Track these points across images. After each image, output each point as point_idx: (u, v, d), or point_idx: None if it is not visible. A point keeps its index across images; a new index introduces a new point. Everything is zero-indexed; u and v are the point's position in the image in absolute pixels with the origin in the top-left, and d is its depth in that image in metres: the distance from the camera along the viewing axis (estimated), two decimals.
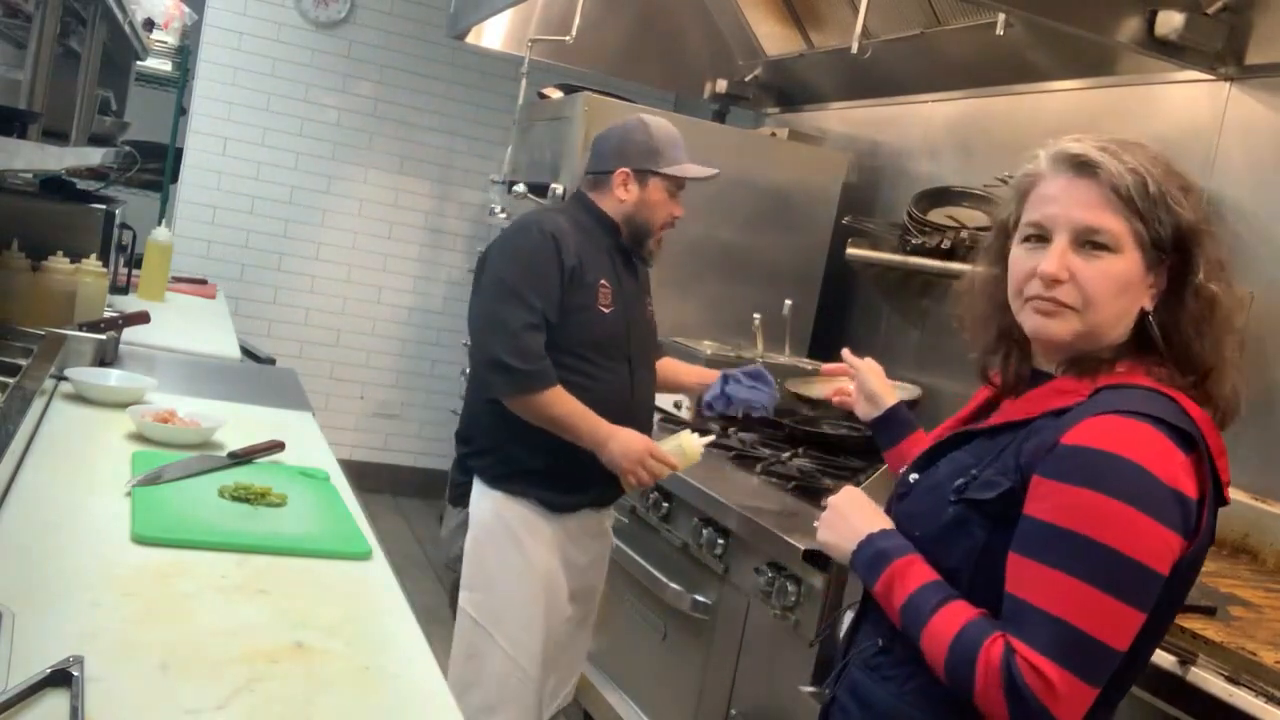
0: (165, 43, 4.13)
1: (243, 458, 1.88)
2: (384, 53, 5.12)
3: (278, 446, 1.97)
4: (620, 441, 2.18)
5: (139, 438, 1.93)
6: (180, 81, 4.54)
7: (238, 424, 2.08)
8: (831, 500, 1.39)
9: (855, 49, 2.66)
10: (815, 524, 1.40)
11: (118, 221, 3.19)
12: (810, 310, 3.66)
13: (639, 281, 2.42)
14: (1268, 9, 2.35)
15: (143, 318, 2.63)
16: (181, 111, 4.69)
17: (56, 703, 0.99)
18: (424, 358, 5.40)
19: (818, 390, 2.96)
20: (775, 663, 2.24)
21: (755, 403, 2.39)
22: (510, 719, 2.26)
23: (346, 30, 5.06)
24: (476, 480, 2.32)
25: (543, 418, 2.18)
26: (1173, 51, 2.39)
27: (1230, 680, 1.48)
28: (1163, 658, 1.52)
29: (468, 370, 3.18)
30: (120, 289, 3.37)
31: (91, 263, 2.72)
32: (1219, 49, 2.39)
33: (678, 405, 3.05)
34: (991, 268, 1.36)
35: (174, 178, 4.78)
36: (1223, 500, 1.21)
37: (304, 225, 5.13)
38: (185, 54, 4.42)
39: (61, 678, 1.02)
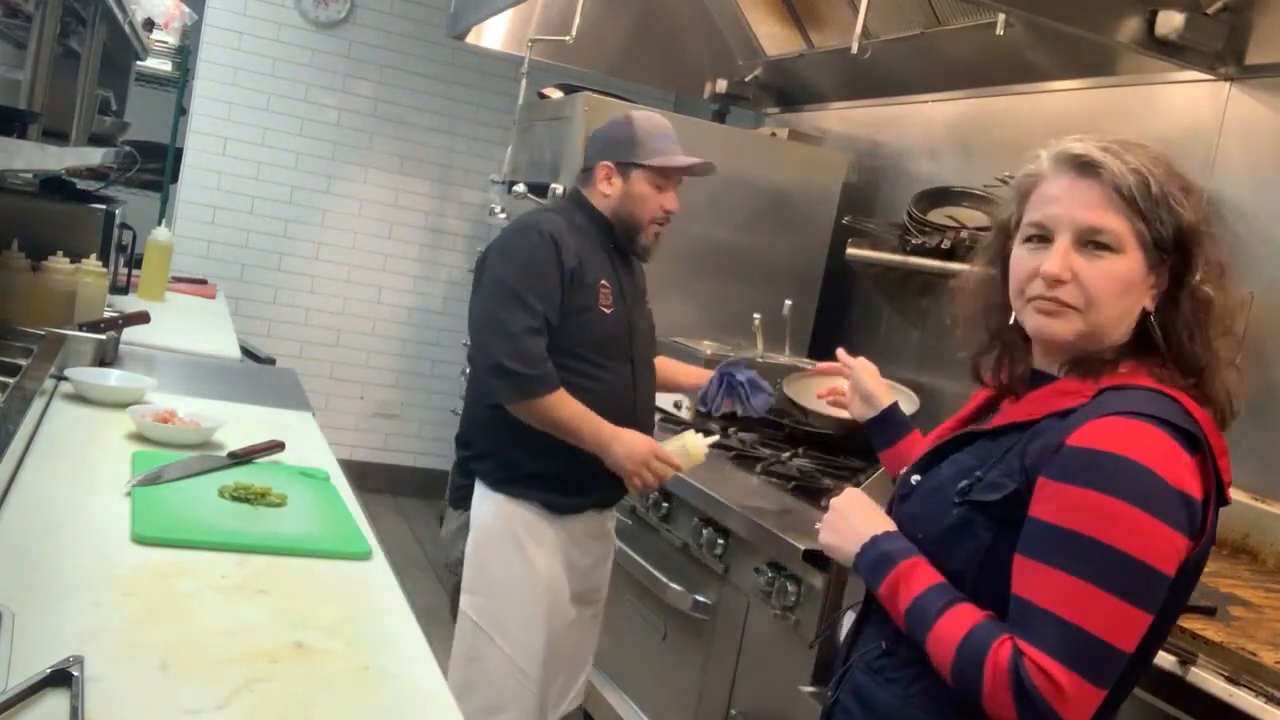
0: (165, 43, 4.13)
1: (243, 458, 1.88)
2: (384, 53, 5.12)
3: (278, 446, 1.97)
4: (624, 444, 2.17)
5: (139, 438, 1.93)
6: (180, 81, 4.54)
7: (238, 424, 2.08)
8: (833, 502, 1.39)
9: (855, 49, 2.65)
10: (817, 526, 1.40)
11: (118, 221, 3.19)
12: (810, 310, 3.66)
13: (637, 280, 2.41)
14: (1268, 9, 2.35)
15: (143, 318, 2.63)
16: (181, 111, 4.69)
17: (56, 703, 0.99)
18: (424, 358, 5.40)
19: (813, 390, 2.95)
20: (775, 663, 2.24)
21: (751, 406, 2.39)
22: None
23: (346, 30, 5.06)
24: (478, 483, 2.30)
25: (546, 422, 2.17)
26: (1173, 51, 2.39)
27: (1230, 680, 1.48)
28: (1163, 658, 1.52)
29: (468, 371, 3.17)
30: (120, 289, 3.37)
31: (91, 263, 2.72)
32: (1219, 49, 2.39)
33: (678, 405, 3.05)
34: (988, 268, 1.36)
35: (174, 178, 4.78)
36: (1224, 500, 1.21)
37: (304, 225, 5.13)
38: (185, 54, 4.42)
39: (61, 678, 1.02)
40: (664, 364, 2.53)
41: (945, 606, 1.19)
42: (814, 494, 2.46)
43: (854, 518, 1.34)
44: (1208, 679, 1.49)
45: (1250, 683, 1.46)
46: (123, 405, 2.08)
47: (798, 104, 4.22)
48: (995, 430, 1.29)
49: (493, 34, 4.38)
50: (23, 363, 2.04)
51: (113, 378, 2.22)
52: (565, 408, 2.16)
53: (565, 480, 2.24)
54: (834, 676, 1.41)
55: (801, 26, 3.79)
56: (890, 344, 3.42)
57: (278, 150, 5.04)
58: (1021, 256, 1.26)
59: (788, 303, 3.39)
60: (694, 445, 2.21)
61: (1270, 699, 1.43)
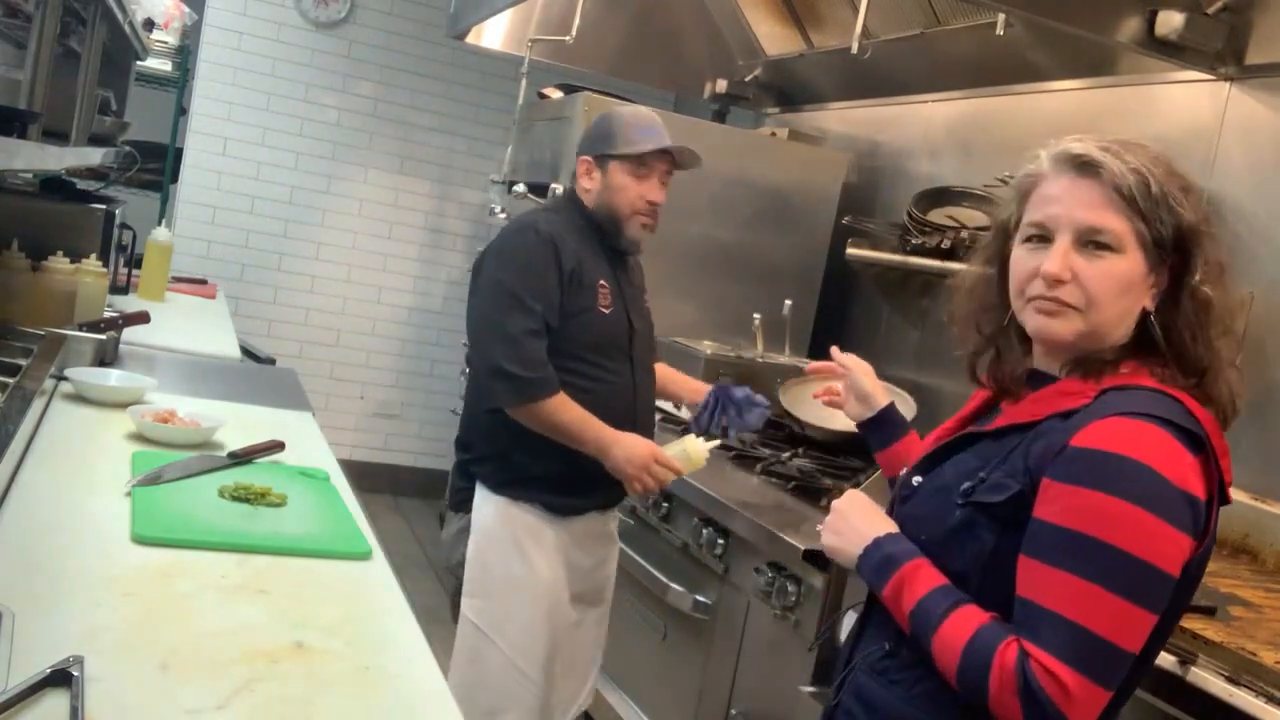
0: (165, 43, 4.13)
1: (243, 458, 1.88)
2: (384, 53, 5.12)
3: (278, 446, 1.97)
4: (624, 448, 2.16)
5: (139, 438, 1.93)
6: (180, 81, 4.54)
7: (238, 424, 2.08)
8: (835, 504, 1.38)
9: (855, 49, 2.65)
10: (819, 528, 1.39)
11: (118, 221, 3.19)
12: (810, 310, 3.66)
13: (635, 279, 2.41)
14: (1268, 9, 2.35)
15: (143, 318, 2.63)
16: (181, 111, 4.69)
17: (56, 703, 0.99)
18: (424, 358, 5.40)
19: (809, 394, 2.94)
20: (775, 663, 2.23)
21: (746, 423, 2.38)
22: None
23: (346, 30, 5.06)
24: (479, 486, 2.29)
25: (546, 426, 2.16)
26: (1173, 51, 2.39)
27: (1230, 680, 1.48)
28: (1163, 658, 1.52)
29: (467, 372, 3.17)
30: (120, 289, 3.37)
31: (91, 263, 2.72)
32: (1219, 49, 2.39)
33: (678, 405, 3.04)
34: (986, 267, 1.36)
35: (174, 178, 4.78)
36: (1225, 500, 1.21)
37: (304, 225, 5.13)
38: (185, 54, 4.42)
39: (61, 678, 1.02)
40: (664, 373, 2.51)
41: (950, 609, 1.19)
42: (814, 494, 2.46)
43: (856, 519, 1.34)
44: (1208, 679, 1.49)
45: (1250, 683, 1.46)
46: (123, 405, 2.08)
47: (798, 104, 4.22)
48: (997, 431, 1.28)
49: (493, 34, 4.38)
50: (23, 363, 2.04)
51: (113, 378, 2.22)
52: (565, 412, 2.15)
53: (566, 482, 2.24)
54: (836, 678, 1.41)
55: (801, 26, 3.79)
56: (890, 344, 3.42)
57: (278, 150, 5.04)
58: (1021, 256, 1.26)
59: (788, 303, 3.39)
60: (695, 449, 2.19)
61: (1270, 699, 1.43)
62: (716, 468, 2.61)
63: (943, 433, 1.42)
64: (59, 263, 2.61)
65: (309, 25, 5.00)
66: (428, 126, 5.23)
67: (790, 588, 2.15)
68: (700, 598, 2.48)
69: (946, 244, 3.01)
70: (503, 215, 3.91)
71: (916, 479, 1.36)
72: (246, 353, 3.30)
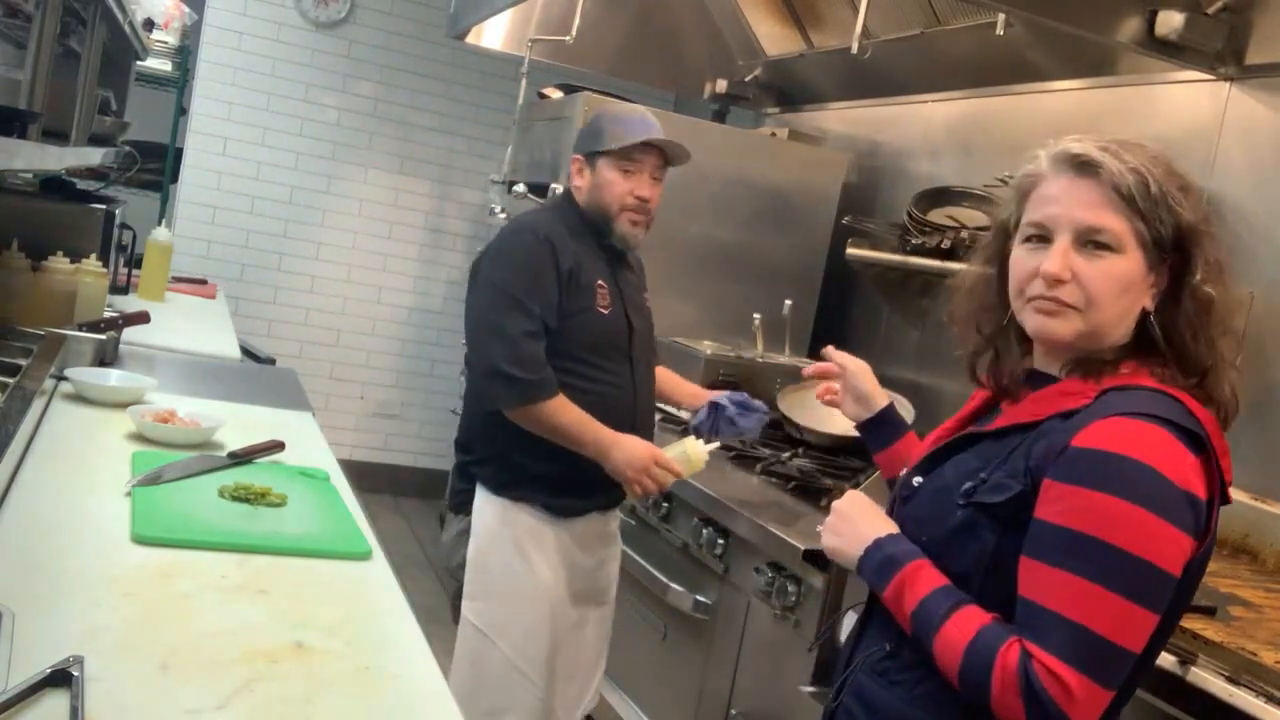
0: (165, 43, 4.13)
1: (243, 458, 1.88)
2: (384, 53, 5.12)
3: (278, 446, 1.97)
4: (624, 450, 2.15)
5: (139, 438, 1.93)
6: (180, 81, 4.54)
7: (238, 424, 2.08)
8: (835, 505, 1.38)
9: (855, 49, 2.65)
10: (819, 529, 1.39)
11: (118, 221, 3.19)
12: (810, 310, 3.66)
13: (635, 278, 2.41)
14: (1268, 9, 2.35)
15: (143, 318, 2.63)
16: (181, 111, 4.69)
17: (56, 703, 0.99)
18: (424, 358, 5.40)
19: (808, 400, 2.94)
20: (775, 663, 2.23)
21: (744, 431, 2.37)
22: None
23: (346, 30, 5.06)
24: (479, 487, 2.28)
25: (545, 428, 2.16)
26: (1173, 51, 2.39)
27: (1230, 680, 1.48)
28: (1163, 657, 1.52)
29: (466, 373, 3.16)
30: (120, 289, 3.37)
31: (91, 263, 2.72)
32: (1219, 49, 2.39)
33: (678, 405, 3.04)
34: (986, 267, 1.36)
35: (174, 178, 4.78)
36: (1225, 500, 1.21)
37: (304, 225, 5.13)
38: (185, 54, 4.42)
39: (61, 678, 1.02)
40: (663, 377, 2.50)
41: (951, 609, 1.19)
42: (814, 494, 2.46)
43: (856, 520, 1.33)
44: (1208, 679, 1.49)
45: (1250, 683, 1.47)
46: (123, 405, 2.08)
47: (798, 104, 4.22)
48: (998, 431, 1.28)
49: (493, 34, 4.38)
50: (23, 363, 2.04)
51: (113, 378, 2.22)
52: (565, 413, 2.15)
53: (567, 483, 2.23)
54: (836, 679, 1.41)
55: (801, 26, 3.79)
56: (890, 344, 3.42)
57: (278, 150, 5.04)
58: (1021, 256, 1.26)
59: (788, 303, 3.39)
60: (695, 451, 2.19)
61: (1270, 699, 1.43)
62: (716, 468, 2.61)
63: (943, 433, 1.42)
64: (59, 263, 2.61)
65: (309, 25, 5.00)
66: (428, 126, 5.23)
67: (790, 588, 2.15)
68: (700, 598, 2.48)
69: (946, 244, 3.01)
70: (503, 215, 3.90)
71: (917, 479, 1.35)
72: (246, 353, 3.30)
